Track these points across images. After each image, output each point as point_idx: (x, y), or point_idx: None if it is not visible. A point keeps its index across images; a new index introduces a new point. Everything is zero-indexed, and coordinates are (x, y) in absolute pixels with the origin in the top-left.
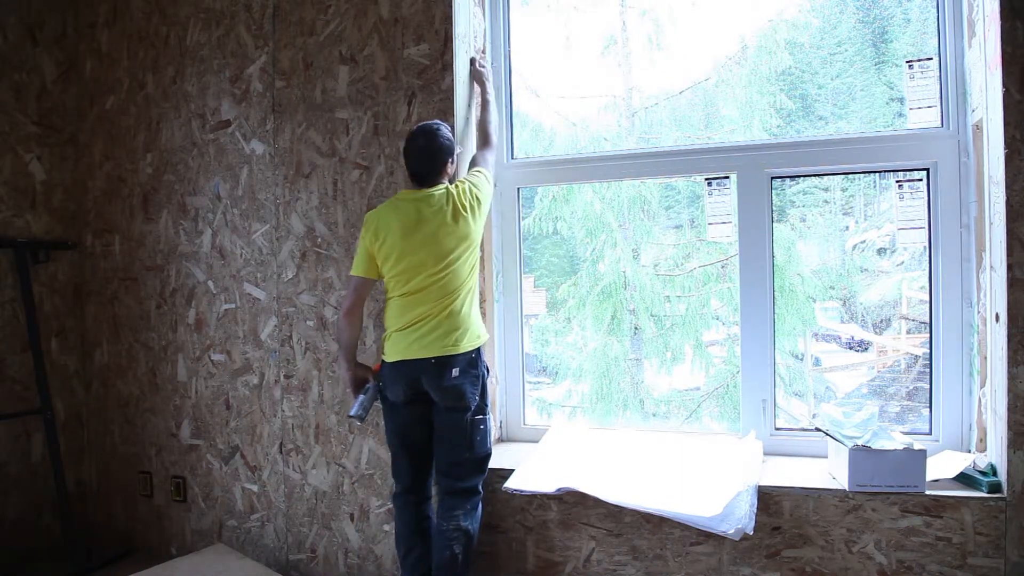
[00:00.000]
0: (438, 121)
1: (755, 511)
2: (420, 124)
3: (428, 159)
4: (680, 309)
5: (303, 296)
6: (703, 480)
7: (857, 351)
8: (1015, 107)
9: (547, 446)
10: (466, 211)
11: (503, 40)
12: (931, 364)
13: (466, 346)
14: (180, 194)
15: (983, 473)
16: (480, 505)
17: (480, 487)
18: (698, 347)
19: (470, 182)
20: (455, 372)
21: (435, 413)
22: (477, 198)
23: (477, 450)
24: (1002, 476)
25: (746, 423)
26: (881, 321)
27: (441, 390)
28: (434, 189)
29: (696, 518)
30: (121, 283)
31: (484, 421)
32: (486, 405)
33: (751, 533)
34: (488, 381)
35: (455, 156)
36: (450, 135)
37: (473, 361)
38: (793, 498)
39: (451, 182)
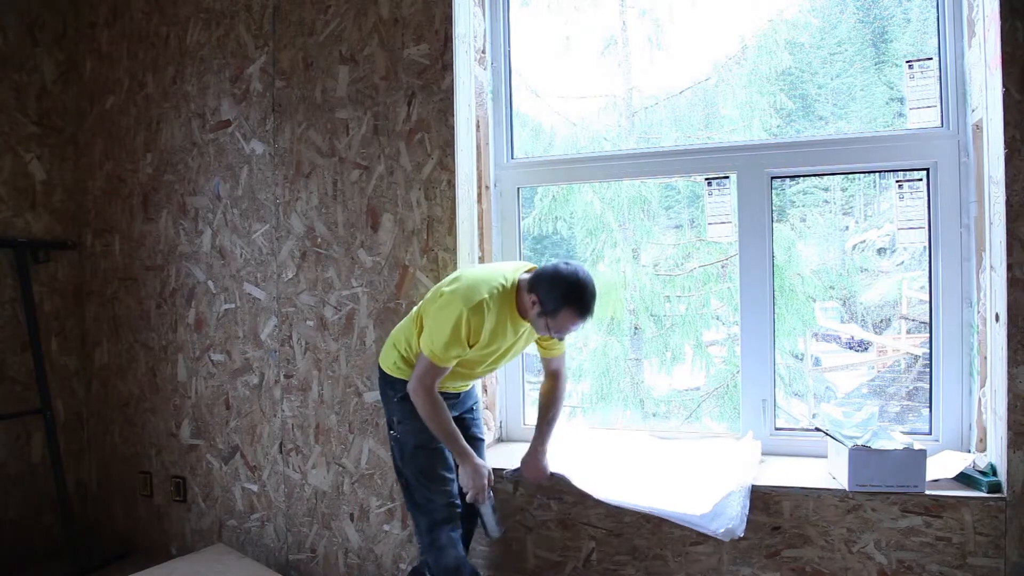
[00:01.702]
0: (582, 273)
1: (747, 513)
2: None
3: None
4: (680, 309)
5: (303, 296)
6: (699, 480)
7: (857, 351)
8: (1015, 107)
9: None
10: (425, 306)
11: (503, 40)
12: (931, 364)
13: (383, 363)
14: (180, 194)
15: (983, 473)
16: (431, 550)
17: (423, 532)
18: (698, 347)
19: (433, 311)
20: (377, 379)
21: None
22: (423, 321)
23: (395, 463)
24: (1002, 476)
25: (746, 423)
26: (881, 321)
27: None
28: (473, 281)
29: (686, 516)
30: (121, 283)
31: (394, 439)
32: (399, 425)
33: (741, 535)
34: (395, 405)
35: (536, 300)
36: (562, 288)
37: (387, 379)
38: (793, 498)
39: (522, 309)
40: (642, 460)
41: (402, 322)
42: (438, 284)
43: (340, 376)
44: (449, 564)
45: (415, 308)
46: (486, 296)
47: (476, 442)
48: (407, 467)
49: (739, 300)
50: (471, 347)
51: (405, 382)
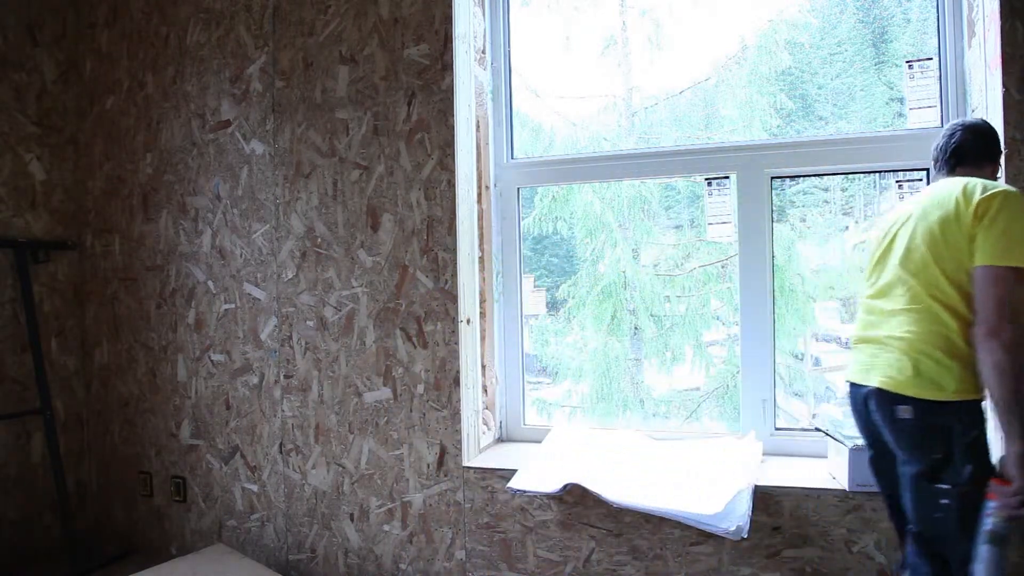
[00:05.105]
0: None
1: (751, 513)
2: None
3: (967, 137)
4: (680, 309)
5: (303, 296)
6: (703, 480)
7: None
8: (1015, 107)
9: (549, 447)
10: (980, 218)
11: (503, 40)
12: None
13: (915, 389)
14: (180, 194)
15: None
16: None
17: None
18: (698, 347)
19: (1001, 207)
20: (902, 412)
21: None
22: (977, 235)
23: (922, 525)
24: None
25: (746, 423)
26: None
27: (889, 429)
28: (955, 179)
29: (698, 516)
30: (121, 283)
31: (947, 494)
32: (961, 471)
33: (746, 536)
34: (967, 439)
35: (996, 165)
36: (992, 133)
37: (935, 409)
38: (793, 498)
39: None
40: (646, 460)
41: (910, 309)
42: (945, 206)
43: (340, 376)
44: None
45: (919, 257)
46: None
47: None
48: (965, 541)
49: (739, 300)
50: None
51: (972, 402)
